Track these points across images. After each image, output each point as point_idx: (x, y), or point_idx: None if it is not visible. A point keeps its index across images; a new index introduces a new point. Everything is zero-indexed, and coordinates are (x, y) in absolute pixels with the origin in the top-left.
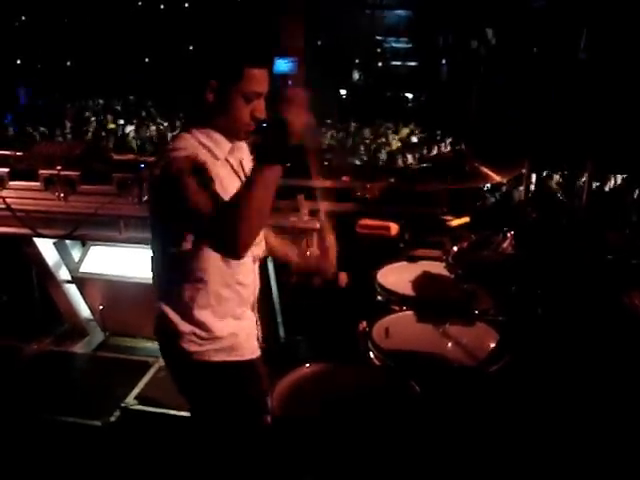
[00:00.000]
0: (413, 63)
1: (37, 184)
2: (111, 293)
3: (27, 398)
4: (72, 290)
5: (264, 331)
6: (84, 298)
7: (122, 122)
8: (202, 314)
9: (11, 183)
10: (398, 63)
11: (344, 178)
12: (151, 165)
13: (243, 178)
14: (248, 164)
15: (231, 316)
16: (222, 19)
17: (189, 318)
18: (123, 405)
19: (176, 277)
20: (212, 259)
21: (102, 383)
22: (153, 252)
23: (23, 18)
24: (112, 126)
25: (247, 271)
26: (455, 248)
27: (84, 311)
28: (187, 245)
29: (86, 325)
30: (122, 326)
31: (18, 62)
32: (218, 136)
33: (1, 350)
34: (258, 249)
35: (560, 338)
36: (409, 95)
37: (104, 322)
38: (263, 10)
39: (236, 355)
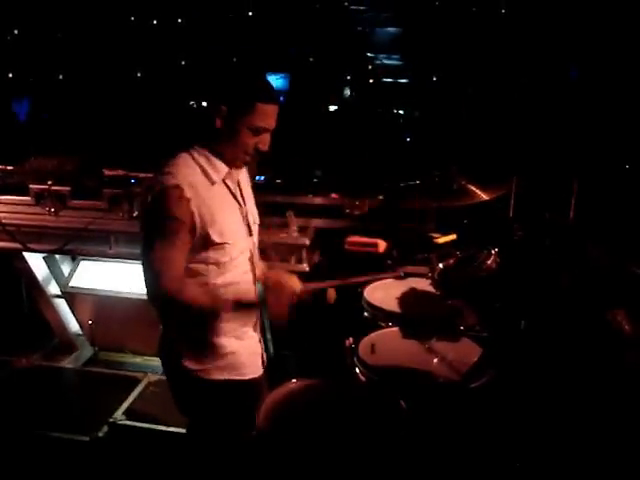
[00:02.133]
0: (404, 80)
1: (28, 199)
2: (100, 308)
3: (15, 413)
4: (61, 305)
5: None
6: (73, 313)
7: None
8: (204, 333)
9: (1, 197)
10: (390, 80)
11: (333, 195)
12: (148, 184)
13: (240, 199)
14: (246, 186)
15: (233, 335)
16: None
17: (190, 337)
18: (111, 420)
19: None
20: (212, 278)
21: (90, 398)
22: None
23: (16, 32)
24: None
25: (247, 291)
26: (441, 265)
27: (73, 326)
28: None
29: (75, 340)
30: (111, 341)
31: (10, 75)
32: (216, 160)
33: None
34: (257, 269)
35: (543, 354)
36: (401, 112)
37: (93, 337)
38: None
39: (237, 374)
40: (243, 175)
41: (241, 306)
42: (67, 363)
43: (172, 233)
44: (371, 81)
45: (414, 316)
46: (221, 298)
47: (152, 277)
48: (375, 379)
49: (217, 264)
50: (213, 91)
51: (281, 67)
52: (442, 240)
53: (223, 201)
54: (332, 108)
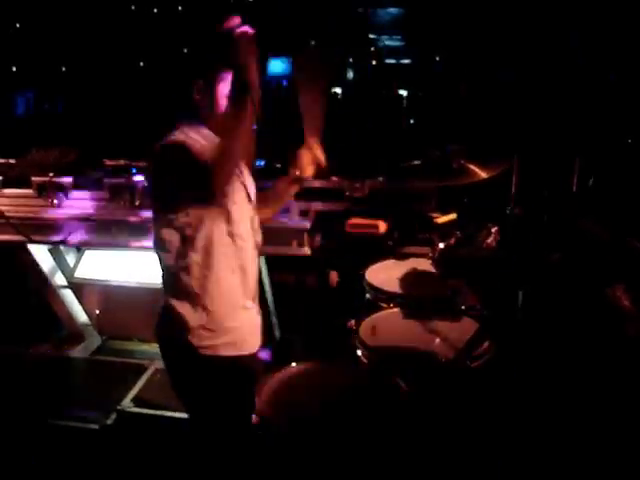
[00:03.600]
0: (407, 61)
1: (30, 191)
2: (107, 297)
3: (24, 402)
4: (68, 295)
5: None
6: (80, 303)
7: None
8: (212, 304)
9: (4, 191)
10: (392, 61)
11: (334, 178)
12: (147, 156)
13: (240, 177)
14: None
15: (238, 306)
16: (210, 21)
17: (199, 309)
18: (119, 408)
19: (183, 266)
20: (216, 243)
21: (98, 387)
22: (158, 246)
23: (17, 25)
24: None
25: (249, 257)
26: (441, 245)
27: (81, 316)
28: (191, 222)
29: (83, 330)
30: (118, 330)
31: (14, 69)
32: (206, 130)
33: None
34: (257, 235)
35: (544, 332)
36: (404, 93)
37: (100, 326)
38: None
39: (241, 349)
40: None
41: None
42: (76, 352)
43: (195, 161)
44: (374, 63)
45: (415, 296)
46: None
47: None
48: (376, 361)
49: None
50: (188, 69)
51: (282, 50)
52: (442, 220)
53: None
54: (336, 90)
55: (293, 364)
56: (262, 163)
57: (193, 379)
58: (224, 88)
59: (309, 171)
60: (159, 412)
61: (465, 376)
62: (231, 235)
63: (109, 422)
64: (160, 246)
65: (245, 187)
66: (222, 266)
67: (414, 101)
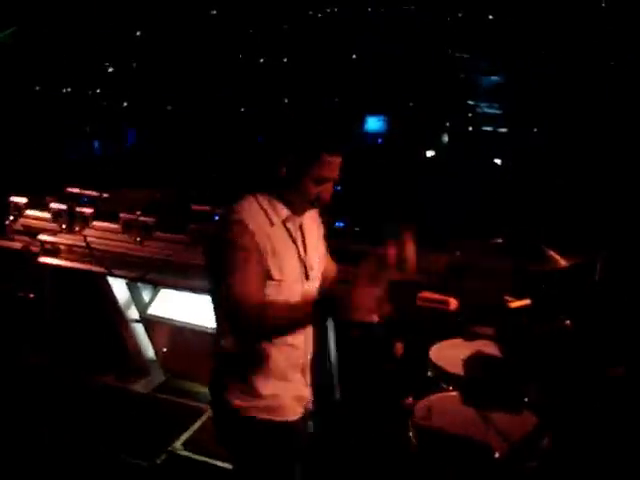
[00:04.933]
0: (504, 129)
1: (117, 226)
2: (175, 336)
3: (81, 430)
4: (139, 329)
5: (320, 393)
6: (149, 338)
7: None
8: (250, 371)
9: (94, 223)
10: (489, 128)
11: (410, 246)
12: (213, 224)
13: (299, 243)
14: (309, 228)
15: (278, 377)
16: (308, 100)
17: (237, 374)
18: (170, 449)
19: (227, 336)
20: None
21: (154, 424)
22: (213, 306)
23: (134, 65)
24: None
25: (299, 334)
26: (511, 330)
27: (148, 351)
28: None
29: (149, 365)
30: (183, 369)
31: (125, 105)
32: (278, 203)
33: (66, 380)
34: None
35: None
36: (498, 161)
37: (166, 364)
38: (348, 99)
39: (277, 416)
40: (310, 221)
41: (323, 304)
42: (138, 387)
43: (243, 261)
44: (470, 128)
45: (476, 381)
46: (296, 305)
47: (235, 306)
48: (426, 445)
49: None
50: (279, 142)
51: (380, 109)
52: (515, 304)
53: (282, 242)
54: (429, 154)
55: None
56: (342, 224)
57: (232, 437)
58: (316, 171)
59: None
60: (208, 459)
61: (519, 477)
62: None
63: (158, 461)
64: (213, 307)
65: (304, 265)
66: (267, 342)
67: (507, 171)
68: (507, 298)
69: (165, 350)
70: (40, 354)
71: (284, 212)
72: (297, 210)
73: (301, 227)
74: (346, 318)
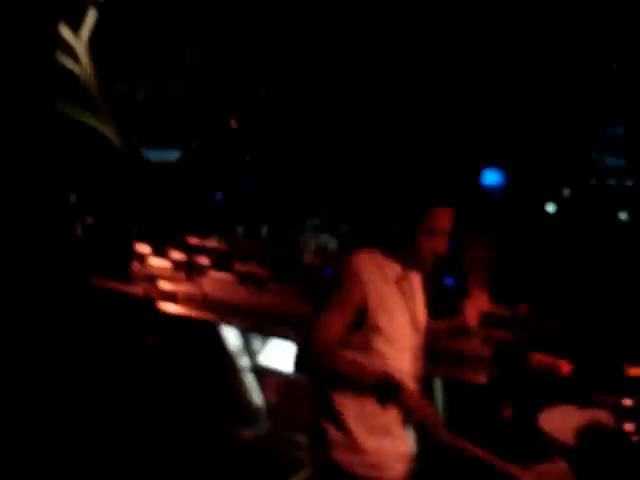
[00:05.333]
0: (630, 183)
1: (232, 277)
2: (284, 387)
3: (191, 471)
4: (249, 378)
5: (424, 452)
6: (259, 387)
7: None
8: (353, 426)
9: (210, 272)
10: (614, 182)
11: (522, 307)
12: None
13: (411, 302)
14: (419, 288)
15: (382, 432)
16: (414, 156)
17: (341, 428)
18: None
19: (332, 388)
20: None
21: (257, 472)
22: None
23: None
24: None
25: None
26: (629, 402)
27: (257, 399)
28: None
29: (256, 413)
30: (289, 420)
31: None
32: (393, 261)
33: (181, 422)
34: (418, 368)
35: None
36: (624, 216)
37: (273, 413)
38: (448, 151)
39: (380, 473)
40: (417, 278)
41: (388, 387)
42: (245, 433)
43: (338, 302)
44: (593, 182)
45: (585, 453)
46: (369, 369)
47: (307, 336)
48: None
49: (381, 353)
50: (390, 200)
51: (499, 162)
52: (636, 372)
53: (395, 299)
54: (550, 208)
55: None
56: (451, 281)
57: None
58: (427, 224)
59: (473, 321)
60: None
61: None
62: (385, 362)
63: None
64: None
65: (415, 319)
66: (369, 395)
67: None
68: (626, 365)
69: (273, 400)
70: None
71: (398, 269)
72: (411, 267)
73: (413, 286)
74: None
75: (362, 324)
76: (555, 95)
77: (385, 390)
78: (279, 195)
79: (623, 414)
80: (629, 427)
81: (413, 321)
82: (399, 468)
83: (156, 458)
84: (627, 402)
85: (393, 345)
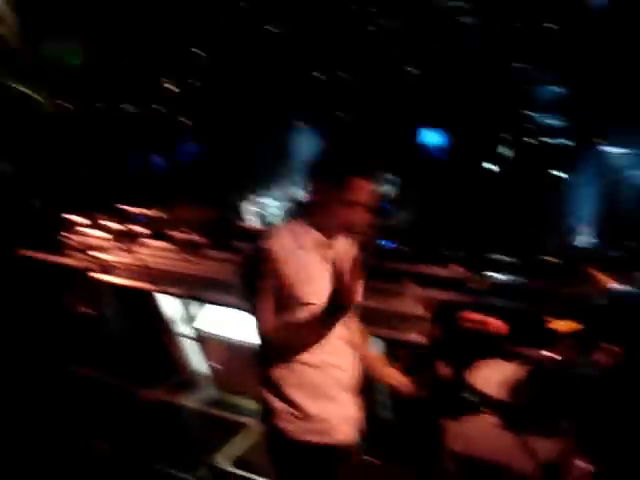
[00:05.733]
0: (568, 142)
1: (169, 245)
2: (225, 352)
3: (128, 442)
4: (191, 345)
5: (367, 411)
6: (200, 354)
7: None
8: (295, 394)
9: (148, 241)
10: (551, 141)
11: (457, 267)
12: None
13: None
14: (344, 254)
15: (324, 398)
16: (336, 127)
17: (283, 397)
18: (216, 464)
19: (270, 358)
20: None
21: (201, 439)
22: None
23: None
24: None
25: (340, 354)
26: (553, 355)
27: (200, 366)
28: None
29: (200, 379)
30: (233, 384)
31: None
32: (312, 230)
33: (117, 393)
34: (351, 333)
35: None
36: (564, 175)
37: (216, 378)
38: (372, 125)
39: (326, 437)
40: (343, 244)
41: (331, 310)
42: (188, 401)
43: (264, 290)
44: (532, 141)
45: (514, 406)
46: (311, 316)
47: (256, 327)
48: (459, 469)
49: None
50: (308, 172)
51: (439, 123)
52: (563, 328)
53: (314, 266)
54: (490, 167)
55: None
56: (392, 245)
57: (282, 459)
58: (345, 195)
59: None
60: (253, 476)
61: None
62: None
63: (203, 475)
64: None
65: None
66: (304, 360)
67: (569, 185)
68: (551, 320)
69: (216, 365)
70: (94, 367)
71: (316, 237)
72: (329, 236)
73: (334, 251)
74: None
75: (289, 300)
76: (491, 56)
77: (333, 308)
78: (221, 161)
79: (545, 365)
80: (550, 377)
81: None
82: (345, 432)
83: (97, 430)
84: (548, 353)
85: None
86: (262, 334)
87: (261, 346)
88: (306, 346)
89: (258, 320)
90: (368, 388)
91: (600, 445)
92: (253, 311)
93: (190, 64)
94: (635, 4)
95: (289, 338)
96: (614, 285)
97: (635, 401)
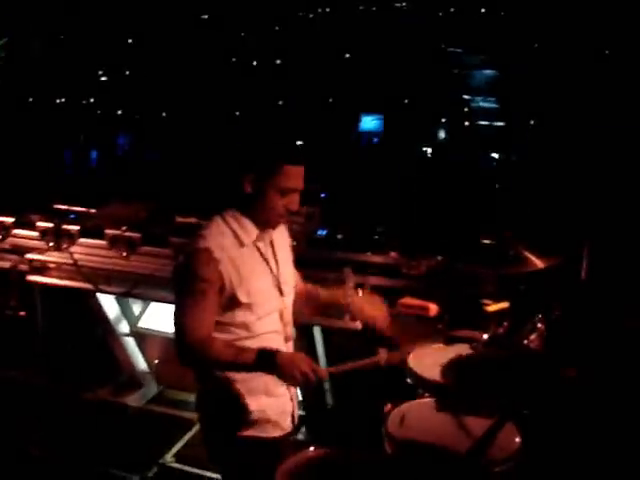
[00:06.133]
0: (501, 123)
1: (103, 242)
2: (167, 348)
3: (73, 445)
4: (130, 343)
5: (310, 399)
6: (141, 351)
7: None
8: (233, 388)
9: (80, 240)
10: (485, 123)
11: (392, 253)
12: (182, 247)
13: (271, 261)
14: (280, 242)
15: (262, 392)
16: (265, 115)
17: (221, 392)
18: (161, 462)
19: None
20: (236, 338)
21: (146, 437)
22: None
23: (127, 73)
24: None
25: (281, 347)
26: (485, 336)
27: (141, 364)
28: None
29: (142, 377)
30: (176, 380)
31: (119, 112)
32: (248, 223)
33: (60, 396)
34: (288, 329)
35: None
36: (495, 155)
37: (159, 375)
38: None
39: (263, 431)
40: (279, 235)
41: (264, 358)
42: (132, 399)
43: (199, 293)
44: (466, 124)
45: (450, 387)
46: (245, 351)
47: (178, 336)
48: (399, 452)
49: (244, 324)
50: (240, 160)
51: (376, 108)
52: (493, 308)
53: (253, 263)
54: (426, 150)
55: (311, 448)
56: (324, 232)
57: (220, 453)
58: (279, 183)
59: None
60: (198, 470)
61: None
62: (251, 331)
63: (150, 475)
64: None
65: (278, 281)
66: None
67: (505, 166)
68: (486, 302)
69: (157, 362)
70: (31, 370)
71: (254, 231)
72: (267, 226)
73: (272, 243)
74: (283, 379)
75: (227, 301)
76: (427, 41)
77: (264, 364)
78: (155, 154)
79: (482, 346)
80: (487, 356)
81: (277, 281)
82: (283, 425)
83: (39, 432)
84: (485, 335)
85: (256, 312)
86: (184, 339)
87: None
88: (220, 369)
89: (183, 324)
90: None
91: (531, 422)
92: (176, 317)
93: (121, 54)
94: None
95: (210, 357)
96: (541, 264)
97: (561, 380)
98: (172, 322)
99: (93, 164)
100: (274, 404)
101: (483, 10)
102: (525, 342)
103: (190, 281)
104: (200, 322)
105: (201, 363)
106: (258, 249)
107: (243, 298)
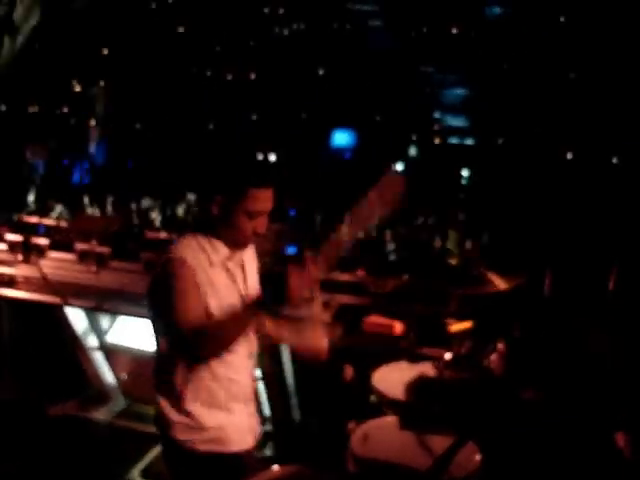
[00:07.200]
0: (470, 142)
1: (72, 257)
2: (135, 363)
3: (41, 460)
4: (99, 357)
5: (278, 414)
6: (109, 366)
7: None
8: (191, 405)
9: (50, 253)
10: (455, 141)
11: (359, 272)
12: (153, 261)
13: (240, 282)
14: (249, 262)
15: (220, 409)
16: (233, 139)
17: (179, 408)
18: (127, 477)
19: (168, 370)
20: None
21: (113, 453)
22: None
23: (102, 84)
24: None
25: (238, 367)
26: (447, 356)
27: (109, 378)
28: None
29: (110, 391)
30: (143, 395)
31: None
32: (218, 243)
33: (27, 410)
34: (251, 346)
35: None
36: (465, 173)
37: (127, 389)
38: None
39: (222, 447)
40: (249, 255)
41: (255, 307)
42: (100, 413)
43: (182, 292)
44: (437, 141)
45: (413, 406)
46: (235, 312)
47: (181, 335)
48: (361, 471)
49: None
50: (207, 184)
51: (348, 123)
52: (456, 328)
53: (222, 282)
54: (398, 167)
55: (275, 466)
56: (294, 250)
57: (180, 470)
58: (246, 207)
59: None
60: None
61: None
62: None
63: None
64: (155, 342)
65: (243, 299)
66: (204, 374)
67: (475, 182)
68: (449, 321)
69: (125, 376)
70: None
71: (224, 251)
72: (236, 246)
73: (242, 264)
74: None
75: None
76: (399, 60)
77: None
78: (130, 165)
79: (445, 365)
80: (449, 376)
81: (244, 301)
82: (242, 441)
83: (4, 447)
84: (448, 354)
85: None
86: (188, 335)
87: (160, 356)
88: (227, 344)
89: (180, 321)
90: (280, 390)
91: (490, 438)
92: (167, 316)
93: (98, 64)
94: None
95: (215, 337)
96: (504, 285)
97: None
98: (168, 331)
99: (65, 174)
100: (232, 420)
101: (455, 31)
102: (486, 362)
103: (171, 283)
104: (194, 312)
105: (212, 348)
106: (228, 269)
107: (215, 310)
